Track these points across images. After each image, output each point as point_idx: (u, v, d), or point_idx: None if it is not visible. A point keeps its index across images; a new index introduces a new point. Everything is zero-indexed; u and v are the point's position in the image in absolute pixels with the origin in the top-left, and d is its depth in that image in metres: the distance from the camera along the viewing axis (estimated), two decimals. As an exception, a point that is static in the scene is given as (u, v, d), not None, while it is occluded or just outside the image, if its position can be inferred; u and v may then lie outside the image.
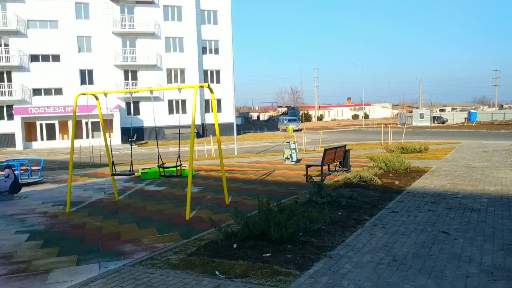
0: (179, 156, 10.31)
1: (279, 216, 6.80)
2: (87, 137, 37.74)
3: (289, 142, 19.57)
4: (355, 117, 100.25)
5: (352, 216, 8.30)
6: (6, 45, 37.56)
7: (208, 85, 9.57)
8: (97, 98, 11.19)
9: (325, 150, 13.76)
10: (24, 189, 13.81)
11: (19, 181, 13.54)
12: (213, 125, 37.00)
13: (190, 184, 9.25)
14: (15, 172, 13.78)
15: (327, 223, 7.61)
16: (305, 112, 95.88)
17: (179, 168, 10.20)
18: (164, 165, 10.60)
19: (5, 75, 37.74)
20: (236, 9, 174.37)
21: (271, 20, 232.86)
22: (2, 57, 37.37)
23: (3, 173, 14.93)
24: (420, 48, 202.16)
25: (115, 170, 11.15)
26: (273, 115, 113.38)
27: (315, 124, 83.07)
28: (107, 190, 13.59)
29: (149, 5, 40.40)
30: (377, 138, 36.13)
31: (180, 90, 9.60)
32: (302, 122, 74.51)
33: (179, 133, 10.26)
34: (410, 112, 79.28)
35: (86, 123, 38.06)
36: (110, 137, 34.41)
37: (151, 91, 10.03)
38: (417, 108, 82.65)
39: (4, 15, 37.25)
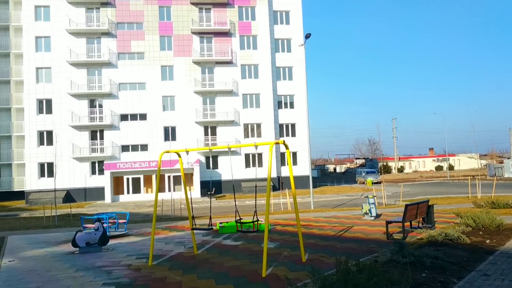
0: (255, 212, 10.45)
1: (358, 277, 6.55)
2: (169, 190, 39.49)
3: (367, 196, 18.99)
4: (439, 168, 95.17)
5: (438, 278, 7.74)
6: (100, 106, 41.35)
7: (284, 141, 9.76)
8: (179, 155, 11.84)
9: (407, 205, 13.16)
10: (111, 242, 14.62)
11: (107, 233, 14.38)
12: (289, 178, 37.06)
13: (266, 240, 9.27)
14: (104, 225, 14.69)
15: (410, 285, 7.17)
16: (384, 163, 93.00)
17: (255, 223, 10.29)
18: (241, 220, 10.76)
19: (98, 133, 41.26)
20: (310, 64, 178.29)
21: (346, 72, 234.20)
22: (96, 117, 41.08)
23: (93, 226, 16.00)
24: (507, 94, 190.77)
25: (195, 224, 11.50)
26: (350, 167, 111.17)
27: (395, 176, 79.99)
28: (186, 244, 13.96)
29: (228, 65, 42.73)
30: (464, 191, 33.84)
31: (256, 147, 9.88)
32: (381, 174, 72.15)
33: (256, 187, 10.45)
34: (500, 162, 73.74)
35: (169, 177, 39.98)
36: (190, 190, 35.44)
37: (229, 148, 10.42)
38: (508, 158, 76.73)
39: (99, 80, 41.34)
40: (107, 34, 41.31)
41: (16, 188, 44.86)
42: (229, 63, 42.82)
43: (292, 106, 44.44)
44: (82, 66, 40.93)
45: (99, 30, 40.78)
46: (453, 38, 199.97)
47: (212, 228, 11.31)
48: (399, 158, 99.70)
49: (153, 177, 40.01)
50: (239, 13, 43.55)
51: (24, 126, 41.56)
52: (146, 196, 39.61)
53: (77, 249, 13.47)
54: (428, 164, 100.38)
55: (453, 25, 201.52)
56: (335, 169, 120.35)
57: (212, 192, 38.74)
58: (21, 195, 43.74)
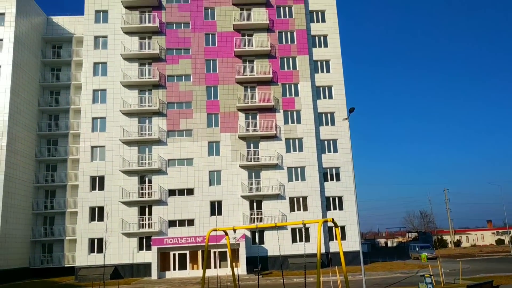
0: (305, 293, 10.00)
1: None
2: (215, 267, 38.86)
3: (423, 275, 17.82)
4: (500, 242, 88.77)
5: None
6: (150, 181, 42.59)
7: (332, 219, 9.54)
8: (226, 234, 11.78)
9: (468, 287, 12.20)
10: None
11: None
12: (337, 253, 35.59)
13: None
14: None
15: None
16: (438, 237, 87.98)
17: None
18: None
19: (146, 209, 42.11)
20: (355, 134, 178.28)
21: (394, 142, 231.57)
22: (145, 192, 42.21)
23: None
24: None
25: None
26: (402, 241, 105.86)
27: (451, 250, 75.14)
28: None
29: (272, 140, 43.47)
30: (531, 268, 31.10)
31: (305, 225, 9.70)
32: (436, 248, 68.11)
33: (305, 264, 10.10)
34: None
35: (214, 252, 39.55)
36: (236, 267, 34.88)
37: (277, 227, 10.25)
38: None
39: (150, 156, 43.00)
40: (158, 113, 43.59)
41: (67, 263, 45.63)
42: (273, 137, 43.59)
43: (338, 178, 43.92)
44: (133, 144, 42.94)
45: (150, 110, 43.16)
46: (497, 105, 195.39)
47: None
48: (455, 231, 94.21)
49: (199, 253, 39.71)
50: (283, 90, 45.00)
51: (78, 202, 43.19)
52: (192, 273, 39.10)
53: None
54: (487, 238, 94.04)
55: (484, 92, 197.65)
56: (386, 243, 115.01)
57: (259, 269, 37.72)
58: (71, 270, 44.35)
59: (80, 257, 40.70)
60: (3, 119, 42.47)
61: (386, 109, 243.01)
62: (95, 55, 44.84)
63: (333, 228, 41.65)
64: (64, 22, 51.94)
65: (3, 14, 45.01)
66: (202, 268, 11.00)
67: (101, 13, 45.95)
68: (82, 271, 39.74)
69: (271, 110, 44.29)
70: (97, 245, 41.05)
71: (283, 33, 46.43)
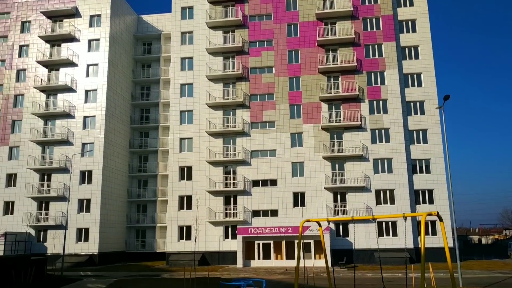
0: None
1: None
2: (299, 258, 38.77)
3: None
4: None
5: None
6: (234, 172, 43.58)
7: (437, 213, 8.95)
8: (319, 225, 11.60)
9: None
10: (249, 310, 14.56)
11: (246, 301, 14.37)
12: (426, 249, 33.72)
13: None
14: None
15: None
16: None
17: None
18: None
19: (232, 199, 43.20)
20: (450, 127, 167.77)
21: (488, 133, 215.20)
22: (230, 183, 43.26)
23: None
24: None
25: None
26: (498, 238, 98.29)
27: (556, 251, 68.05)
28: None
29: (357, 130, 42.29)
30: None
31: (405, 218, 9.22)
32: (538, 248, 62.19)
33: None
34: None
35: (298, 244, 39.49)
36: (319, 258, 34.53)
37: (374, 219, 9.83)
38: None
39: (234, 148, 43.97)
40: (241, 105, 44.33)
41: (158, 249, 48.43)
42: (358, 128, 42.39)
43: (428, 170, 41.65)
44: (218, 135, 44.15)
45: (234, 102, 44.02)
46: None
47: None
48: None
49: (283, 243, 39.94)
50: (368, 79, 43.52)
51: (167, 191, 45.50)
52: (276, 263, 39.48)
53: (218, 315, 13.64)
54: None
55: None
56: (480, 240, 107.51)
57: (343, 262, 37.09)
58: (162, 256, 46.97)
59: (171, 243, 42.87)
60: (101, 113, 45.85)
61: (480, 95, 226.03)
62: (182, 50, 46.62)
63: (421, 223, 39.70)
64: (153, 20, 54.68)
65: (99, 15, 48.39)
66: (297, 260, 10.89)
67: (187, 9, 47.58)
68: (172, 257, 41.88)
69: (356, 100, 43.06)
70: (185, 232, 42.95)
71: (368, 19, 44.78)
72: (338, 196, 41.76)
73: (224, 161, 43.47)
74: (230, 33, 46.29)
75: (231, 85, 45.35)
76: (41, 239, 44.43)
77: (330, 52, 44.54)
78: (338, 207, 41.29)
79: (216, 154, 43.76)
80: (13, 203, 45.61)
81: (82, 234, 43.92)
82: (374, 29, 44.46)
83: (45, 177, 45.78)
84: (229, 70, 45.42)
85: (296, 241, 39.65)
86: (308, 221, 10.98)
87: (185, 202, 43.66)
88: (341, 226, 41.03)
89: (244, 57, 45.35)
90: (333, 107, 43.48)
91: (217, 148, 43.95)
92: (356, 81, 43.26)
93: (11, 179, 46.37)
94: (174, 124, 45.26)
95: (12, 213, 45.39)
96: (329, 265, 37.28)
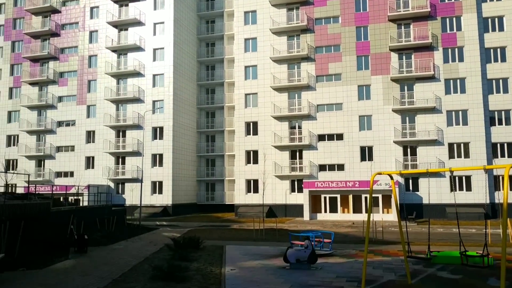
0: (486, 244, 9.17)
1: None
2: (366, 212, 38.62)
3: None
4: None
5: None
6: (299, 127, 43.42)
7: (524, 165, 8.35)
8: (391, 177, 11.33)
9: None
10: (318, 260, 14.83)
11: (315, 252, 14.62)
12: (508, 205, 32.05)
13: (503, 279, 7.98)
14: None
15: None
16: None
17: (486, 257, 9.02)
18: (466, 253, 9.59)
19: (297, 153, 43.31)
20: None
21: None
22: (296, 137, 43.26)
23: (301, 243, 16.55)
24: None
25: (410, 252, 10.77)
26: None
27: None
28: (396, 271, 13.19)
29: (429, 81, 40.06)
30: None
31: (486, 171, 8.73)
32: None
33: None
34: None
35: (366, 197, 39.20)
36: (388, 213, 34.03)
37: (451, 172, 9.40)
38: None
39: (299, 102, 43.56)
40: (306, 59, 43.39)
41: (227, 201, 50.26)
42: (430, 78, 40.11)
43: (508, 122, 38.91)
44: (283, 90, 43.83)
45: (299, 55, 43.15)
46: None
47: (431, 259, 10.38)
48: None
49: (350, 197, 39.78)
50: (442, 25, 40.56)
51: (234, 146, 46.51)
52: (342, 216, 39.60)
53: (288, 264, 14.06)
54: None
55: None
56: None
57: (413, 216, 36.37)
58: (230, 207, 48.78)
59: (239, 196, 44.25)
60: (169, 71, 47.05)
61: None
62: (245, 4, 45.96)
63: (498, 177, 37.64)
64: (215, -26, 54.09)
65: (163, -28, 48.62)
66: (368, 215, 10.75)
67: (249, -40, 46.41)
68: (240, 209, 43.35)
69: (428, 48, 40.49)
70: (252, 185, 44.03)
71: (444, -41, 41.16)
72: (408, 150, 40.41)
73: (289, 116, 43.32)
74: (294, -17, 44.73)
75: (295, 38, 44.34)
76: (120, 191, 47.70)
77: (401, -3, 41.80)
78: (408, 161, 40.05)
79: (281, 109, 43.66)
80: (93, 158, 49.01)
81: (156, 187, 46.52)
82: (451, -30, 40.87)
83: (120, 133, 48.46)
84: (293, 22, 44.28)
85: (363, 195, 39.33)
86: (380, 174, 10.75)
87: (252, 157, 44.46)
88: (410, 181, 39.94)
89: (309, 8, 43.87)
90: (404, 56, 41.29)
91: (282, 102, 43.77)
92: (429, 28, 40.51)
93: (90, 136, 49.61)
94: (239, 79, 45.47)
95: (93, 167, 48.89)
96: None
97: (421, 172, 11.65)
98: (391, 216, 37.60)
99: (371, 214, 11.01)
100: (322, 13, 43.49)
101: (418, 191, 39.64)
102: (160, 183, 46.33)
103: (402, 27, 41.59)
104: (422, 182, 39.42)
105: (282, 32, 44.36)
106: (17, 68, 53.40)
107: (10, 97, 53.30)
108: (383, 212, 38.41)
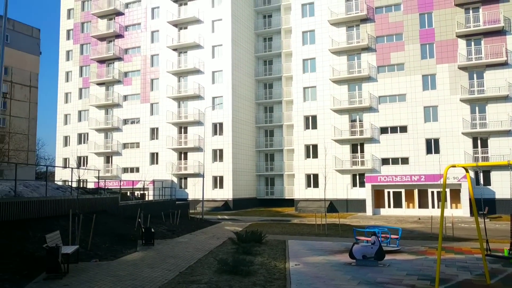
0: None
1: None
2: (433, 207, 36.96)
3: None
4: None
5: None
6: (360, 120, 42.26)
7: None
8: (467, 171, 10.62)
9: None
10: (385, 257, 14.29)
11: (382, 248, 14.09)
12: None
13: None
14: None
15: None
16: None
17: None
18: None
19: (358, 147, 42.22)
20: None
21: None
22: (356, 130, 42.16)
23: (366, 238, 16.05)
24: None
25: (489, 250, 10.04)
26: None
27: None
28: (472, 270, 12.39)
29: (501, 67, 37.41)
30: None
31: None
32: None
33: None
34: None
35: (432, 192, 37.47)
36: (456, 208, 32.37)
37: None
38: None
39: (360, 94, 42.38)
40: (366, 49, 42.09)
41: (287, 196, 50.11)
42: (503, 64, 37.48)
43: None
44: (343, 82, 42.84)
45: (359, 46, 41.96)
46: None
47: (511, 258, 9.61)
48: None
49: (415, 191, 38.20)
50: (516, 6, 37.73)
51: (293, 140, 46.18)
52: (407, 211, 38.12)
53: (354, 260, 13.66)
54: None
55: None
56: None
57: (485, 212, 34.26)
58: (290, 202, 48.56)
59: (299, 190, 43.95)
60: (227, 67, 47.58)
61: None
62: (302, -4, 45.39)
63: None
64: (272, -32, 53.83)
65: (220, -30, 49.10)
66: (441, 210, 10.16)
67: (306, -48, 45.67)
68: (301, 203, 43.03)
69: (500, 32, 37.84)
70: (312, 180, 43.54)
71: None
72: (479, 141, 38.09)
73: (349, 109, 42.31)
74: (352, -28, 43.48)
75: (354, 28, 43.15)
76: (182, 186, 49.04)
77: (469, -20, 39.36)
78: (478, 153, 37.77)
79: (341, 101, 42.73)
80: (157, 154, 50.74)
81: (217, 182, 47.32)
82: None
83: (182, 130, 49.74)
84: (352, 12, 43.08)
85: (429, 190, 37.63)
86: (454, 166, 10.08)
87: (311, 151, 43.95)
88: (481, 174, 37.65)
89: (368, -3, 42.50)
90: (472, 43, 38.89)
91: (342, 95, 42.81)
92: (500, 10, 37.81)
93: (154, 133, 51.38)
94: (297, 73, 45.03)
95: (157, 163, 50.64)
96: (467, 214, 34.88)
97: (497, 165, 10.90)
98: (460, 211, 35.73)
99: (438, 210, 10.37)
100: (382, 1, 41.98)
101: (490, 185, 37.31)
102: (221, 178, 47.07)
103: (470, 11, 39.18)
104: (494, 175, 37.02)
105: (341, 23, 43.34)
106: (85, 69, 56.34)
107: (80, 97, 56.35)
108: (451, 208, 36.54)
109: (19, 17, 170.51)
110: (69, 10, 58.49)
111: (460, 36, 39.04)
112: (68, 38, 58.02)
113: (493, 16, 38.01)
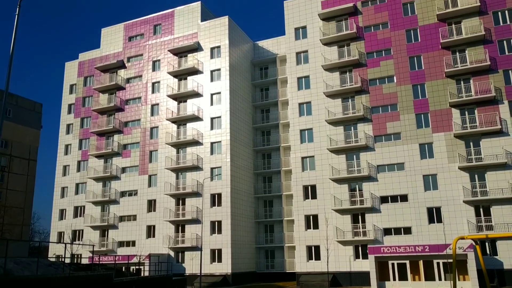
0: None
1: None
2: (439, 279, 35.58)
3: None
4: None
5: None
6: (360, 189, 41.96)
7: None
8: (476, 243, 10.19)
9: None
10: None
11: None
12: None
13: None
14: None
15: None
16: None
17: None
18: None
19: (359, 217, 41.50)
20: None
21: None
22: (357, 200, 41.72)
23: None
24: None
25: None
26: None
27: None
28: None
29: (497, 136, 37.79)
30: None
31: None
32: None
33: None
34: None
35: (438, 263, 36.24)
36: (464, 280, 31.12)
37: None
38: None
39: (358, 163, 42.46)
40: (362, 119, 42.85)
41: (288, 269, 48.38)
42: (498, 133, 37.98)
43: None
44: (341, 152, 43.09)
45: (355, 116, 42.74)
46: None
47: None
48: None
49: (420, 263, 36.97)
50: (505, 77, 38.93)
51: (293, 211, 45.49)
52: (414, 284, 36.63)
53: None
54: None
55: None
56: None
57: (495, 284, 32.93)
58: (291, 276, 46.80)
59: (300, 263, 42.54)
60: (226, 138, 48.04)
61: None
62: (298, 70, 46.98)
63: None
64: (268, 44, 56.29)
65: (219, 46, 51.28)
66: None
67: (300, 29, 47.99)
68: (302, 277, 41.42)
69: (492, 102, 38.76)
70: (314, 252, 42.29)
71: (499, 12, 40.34)
72: (481, 209, 37.54)
73: (348, 178, 42.18)
74: (346, 47, 45.41)
75: (350, 100, 44.23)
76: (180, 260, 47.44)
77: (457, 53, 41.01)
78: (482, 222, 37.05)
79: (339, 171, 42.70)
80: (154, 226, 49.67)
81: (216, 255, 45.87)
82: (508, 22, 39.87)
83: (180, 201, 49.13)
84: (346, 84, 44.40)
85: (435, 261, 36.47)
86: (463, 238, 9.71)
87: (312, 221, 43.15)
88: (487, 244, 36.66)
89: (362, 70, 44.01)
90: (466, 112, 39.71)
91: (340, 164, 42.88)
92: (491, 81, 39.05)
93: (151, 205, 50.68)
94: (295, 143, 45.43)
95: (153, 236, 49.41)
96: (478, 287, 33.43)
97: (508, 236, 10.49)
98: (469, 284, 34.36)
99: (449, 282, 9.80)
100: (376, 74, 43.44)
101: (496, 255, 36.18)
102: (219, 250, 45.72)
103: (462, 82, 40.46)
104: (501, 245, 36.00)
105: (336, 94, 44.50)
106: (84, 142, 56.82)
107: (78, 170, 56.27)
108: (459, 279, 35.12)
109: (23, 92, 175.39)
110: (71, 86, 60.17)
111: (453, 105, 39.96)
112: (69, 112, 59.14)
113: (484, 86, 39.18)
